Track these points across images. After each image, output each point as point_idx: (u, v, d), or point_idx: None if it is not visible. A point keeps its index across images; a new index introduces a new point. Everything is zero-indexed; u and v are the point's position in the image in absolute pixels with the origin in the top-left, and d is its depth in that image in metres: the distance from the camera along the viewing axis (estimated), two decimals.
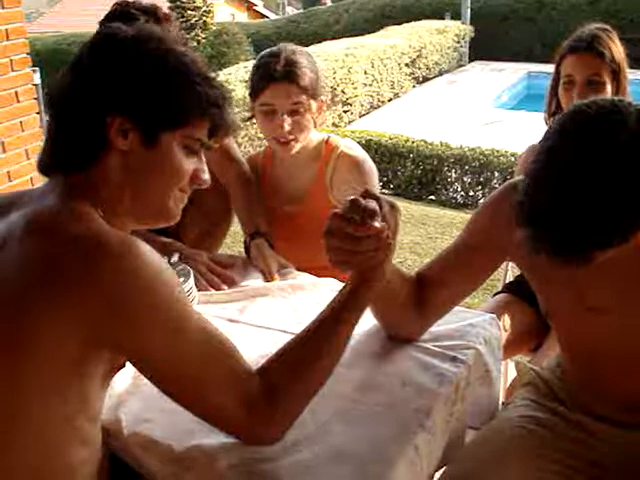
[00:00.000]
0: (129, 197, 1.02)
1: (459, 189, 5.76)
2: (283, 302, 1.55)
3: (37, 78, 4.07)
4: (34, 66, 3.97)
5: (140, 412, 1.16)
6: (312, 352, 1.04)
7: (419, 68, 10.09)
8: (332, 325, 1.05)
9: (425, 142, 6.01)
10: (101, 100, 0.98)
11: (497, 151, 5.63)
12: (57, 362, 0.89)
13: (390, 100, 9.32)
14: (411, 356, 1.29)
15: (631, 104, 1.00)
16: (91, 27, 1.70)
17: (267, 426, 1.00)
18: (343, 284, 1.10)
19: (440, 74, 10.73)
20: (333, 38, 10.61)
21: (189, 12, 13.54)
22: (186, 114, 1.02)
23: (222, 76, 6.89)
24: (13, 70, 3.71)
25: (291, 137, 1.78)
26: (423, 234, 4.36)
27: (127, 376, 1.21)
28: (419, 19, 11.46)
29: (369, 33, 10.55)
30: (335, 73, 7.69)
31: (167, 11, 1.92)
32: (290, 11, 23.72)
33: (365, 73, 8.54)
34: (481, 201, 5.21)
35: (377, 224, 1.00)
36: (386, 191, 5.82)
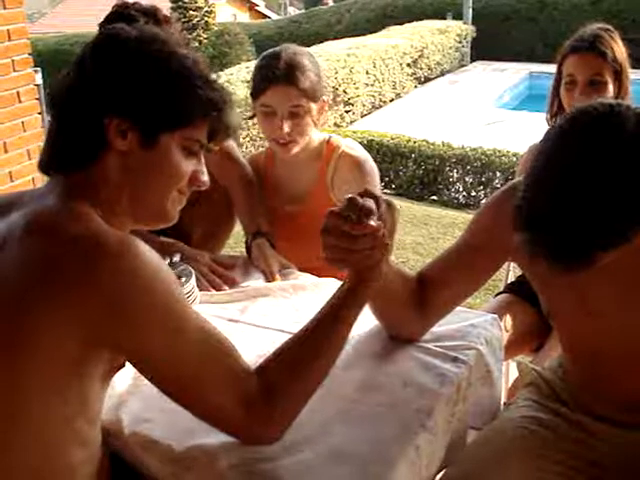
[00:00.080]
0: (127, 197, 1.02)
1: (461, 189, 5.76)
2: (284, 302, 1.55)
3: (39, 78, 4.08)
4: (36, 66, 3.98)
5: (140, 412, 1.16)
6: (310, 351, 1.04)
7: (421, 68, 10.09)
8: (330, 324, 1.05)
9: (427, 142, 6.01)
10: (101, 100, 0.98)
11: (499, 151, 5.63)
12: (57, 362, 0.89)
13: (392, 100, 9.32)
14: (412, 356, 1.29)
15: (630, 107, 1.00)
16: (93, 28, 1.69)
17: (266, 425, 1.00)
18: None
19: (442, 74, 10.72)
20: (335, 38, 10.60)
21: (191, 12, 13.55)
22: (186, 116, 1.02)
23: (224, 76, 6.90)
24: (15, 70, 3.72)
25: (290, 139, 1.79)
26: (425, 234, 4.36)
27: (127, 376, 1.21)
28: (421, 19, 11.45)
29: (371, 33, 10.55)
30: (337, 73, 7.69)
31: (167, 13, 1.93)
32: (292, 11, 23.73)
33: (367, 73, 8.54)
34: (483, 201, 5.22)
35: (373, 223, 1.00)
36: (388, 191, 5.82)
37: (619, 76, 1.95)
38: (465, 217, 4.58)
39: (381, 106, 9.03)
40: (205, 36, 13.25)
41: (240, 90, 6.13)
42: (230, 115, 1.07)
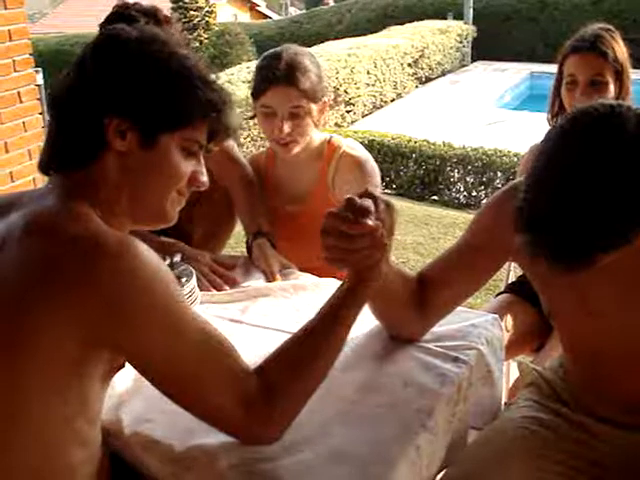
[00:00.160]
0: (126, 198, 1.02)
1: (462, 189, 5.76)
2: (285, 302, 1.55)
3: (40, 79, 4.07)
4: (37, 67, 3.98)
5: (141, 412, 1.16)
6: (309, 351, 1.04)
7: (422, 68, 10.09)
8: (329, 324, 1.06)
9: (428, 142, 6.01)
10: (101, 100, 0.98)
11: (500, 151, 5.63)
12: (56, 362, 0.89)
13: (393, 100, 9.32)
14: (413, 356, 1.29)
15: (630, 108, 1.00)
16: (94, 28, 1.69)
17: (265, 426, 1.00)
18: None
19: (443, 74, 10.72)
20: (336, 38, 10.60)
21: (191, 12, 13.56)
22: (186, 116, 1.02)
23: (225, 76, 6.90)
24: (16, 71, 3.72)
25: (290, 139, 1.79)
26: (426, 234, 4.36)
27: (128, 376, 1.21)
28: (421, 19, 11.45)
29: (371, 33, 10.54)
30: (338, 73, 7.69)
31: (168, 13, 1.92)
32: (293, 11, 23.72)
33: (368, 73, 8.54)
34: (484, 201, 5.21)
35: (370, 222, 1.00)
36: (389, 191, 5.82)
37: (620, 76, 1.95)
38: (466, 217, 4.58)
39: (382, 106, 9.03)
40: (206, 36, 13.25)
41: (241, 90, 6.13)
42: (229, 116, 1.07)
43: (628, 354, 1.19)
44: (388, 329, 1.35)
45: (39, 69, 4.05)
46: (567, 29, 2.66)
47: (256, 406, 0.98)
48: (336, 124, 7.68)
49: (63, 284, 0.88)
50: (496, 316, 1.45)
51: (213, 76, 1.06)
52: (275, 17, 20.96)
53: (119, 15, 1.76)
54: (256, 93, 1.81)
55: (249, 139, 6.35)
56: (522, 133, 6.11)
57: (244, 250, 1.84)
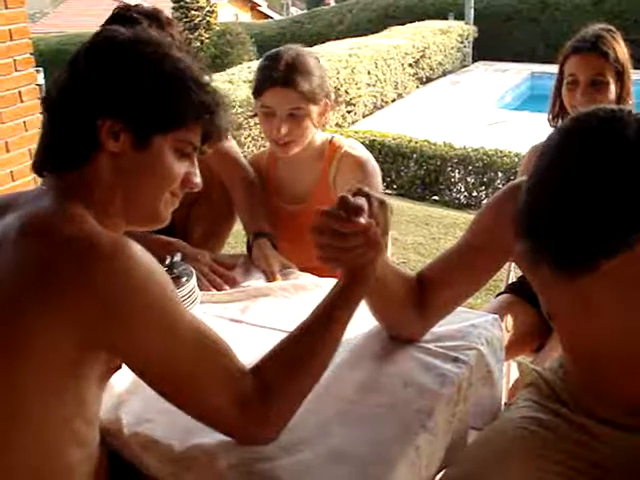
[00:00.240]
0: (120, 199, 1.02)
1: (462, 189, 5.76)
2: (285, 302, 1.54)
3: (41, 78, 4.08)
4: (38, 66, 3.99)
5: (141, 412, 1.16)
6: (305, 350, 1.04)
7: (422, 68, 10.09)
8: (325, 323, 1.05)
9: (428, 142, 6.01)
10: (94, 101, 0.98)
11: (500, 151, 5.64)
12: (53, 364, 0.89)
13: (394, 100, 9.32)
14: (413, 357, 1.29)
15: (631, 113, 1.00)
16: (95, 28, 1.68)
17: (261, 425, 1.00)
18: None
19: (443, 74, 10.73)
20: (337, 38, 10.61)
21: (192, 12, 13.56)
22: (179, 118, 1.02)
23: (226, 76, 6.91)
24: (17, 70, 3.72)
25: (288, 140, 1.78)
26: (426, 234, 4.36)
27: (127, 376, 1.21)
28: (422, 19, 11.46)
29: (372, 33, 10.55)
30: (339, 73, 7.70)
31: (169, 13, 1.92)
32: (294, 11, 23.74)
33: (369, 73, 8.54)
34: (484, 201, 5.20)
35: (363, 220, 1.00)
36: (389, 191, 5.83)
37: (621, 77, 1.94)
38: (466, 217, 4.58)
39: (383, 106, 9.03)
40: (207, 36, 13.26)
41: (242, 90, 6.14)
42: (223, 118, 1.07)
43: (629, 356, 1.19)
44: (388, 329, 1.35)
45: (40, 69, 4.06)
46: (568, 30, 2.66)
47: (252, 406, 0.98)
48: (337, 124, 7.69)
49: (58, 286, 0.88)
50: (496, 316, 1.45)
51: (207, 78, 1.06)
52: (276, 17, 20.97)
53: (120, 17, 1.75)
54: (256, 93, 1.80)
55: (249, 139, 6.36)
56: (523, 133, 6.11)
57: (244, 249, 1.84)
